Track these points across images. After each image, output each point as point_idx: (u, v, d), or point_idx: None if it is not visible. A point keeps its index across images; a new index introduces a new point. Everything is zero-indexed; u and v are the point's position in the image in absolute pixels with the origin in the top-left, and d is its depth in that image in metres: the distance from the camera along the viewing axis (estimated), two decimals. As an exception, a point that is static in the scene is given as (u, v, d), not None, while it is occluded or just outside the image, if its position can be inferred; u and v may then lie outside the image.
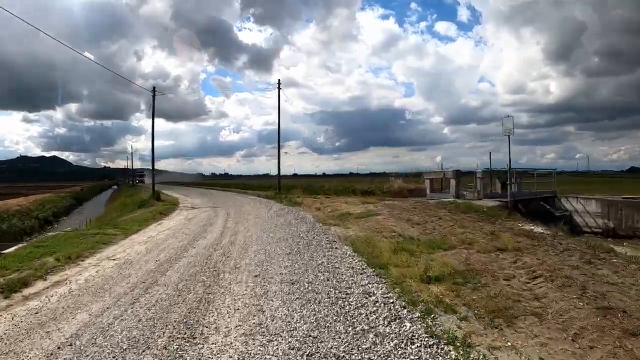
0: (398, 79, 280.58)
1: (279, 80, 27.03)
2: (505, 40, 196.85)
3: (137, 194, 30.89)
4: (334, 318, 4.23)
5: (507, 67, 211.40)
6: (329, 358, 3.42)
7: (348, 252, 7.25)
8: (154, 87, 24.75)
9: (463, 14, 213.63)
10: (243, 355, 3.52)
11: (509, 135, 16.63)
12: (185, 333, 3.99)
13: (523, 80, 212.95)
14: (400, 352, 3.45)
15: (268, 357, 3.47)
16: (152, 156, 24.19)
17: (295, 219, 12.47)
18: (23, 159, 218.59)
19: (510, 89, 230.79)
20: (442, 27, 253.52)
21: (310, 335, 3.83)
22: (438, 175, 18.30)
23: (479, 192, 16.60)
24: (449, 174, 17.51)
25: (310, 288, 5.29)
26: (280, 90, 26.85)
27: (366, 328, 3.95)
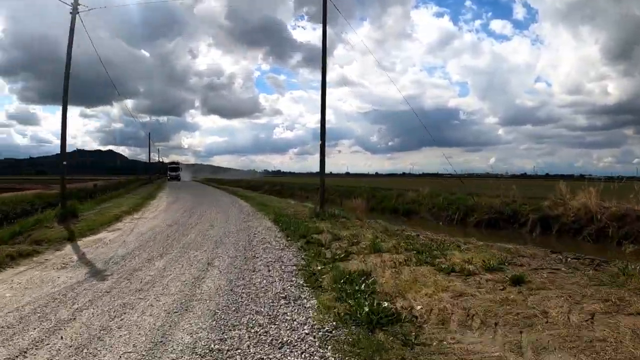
0: (452, 78, 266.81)
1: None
2: (563, 39, 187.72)
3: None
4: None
5: (565, 67, 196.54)
6: None
7: None
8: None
9: (519, 12, 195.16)
10: None
11: None
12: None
13: (580, 80, 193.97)
14: None
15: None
16: (62, 135, 11.47)
17: None
18: (80, 153, 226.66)
19: (568, 89, 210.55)
20: (497, 25, 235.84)
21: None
22: None
23: None
24: None
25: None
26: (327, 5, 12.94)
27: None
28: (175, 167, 63.37)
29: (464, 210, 15.35)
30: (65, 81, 11.22)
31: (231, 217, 12.66)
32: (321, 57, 12.59)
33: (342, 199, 22.63)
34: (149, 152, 58.49)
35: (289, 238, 8.32)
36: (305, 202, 21.77)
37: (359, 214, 13.38)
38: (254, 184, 47.77)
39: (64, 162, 11.45)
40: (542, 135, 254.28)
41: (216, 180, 67.99)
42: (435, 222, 15.62)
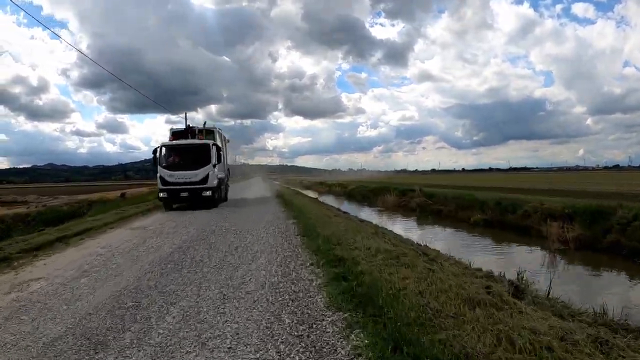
0: (536, 68, 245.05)
1: None
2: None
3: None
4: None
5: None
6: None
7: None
8: None
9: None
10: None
11: None
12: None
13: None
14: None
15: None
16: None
17: None
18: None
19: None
20: (579, 8, 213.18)
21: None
22: None
23: None
24: None
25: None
26: None
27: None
28: (187, 145, 14.51)
29: None
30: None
31: None
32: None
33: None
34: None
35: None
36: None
37: None
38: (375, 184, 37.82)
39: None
40: (632, 123, 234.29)
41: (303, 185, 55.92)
42: None
